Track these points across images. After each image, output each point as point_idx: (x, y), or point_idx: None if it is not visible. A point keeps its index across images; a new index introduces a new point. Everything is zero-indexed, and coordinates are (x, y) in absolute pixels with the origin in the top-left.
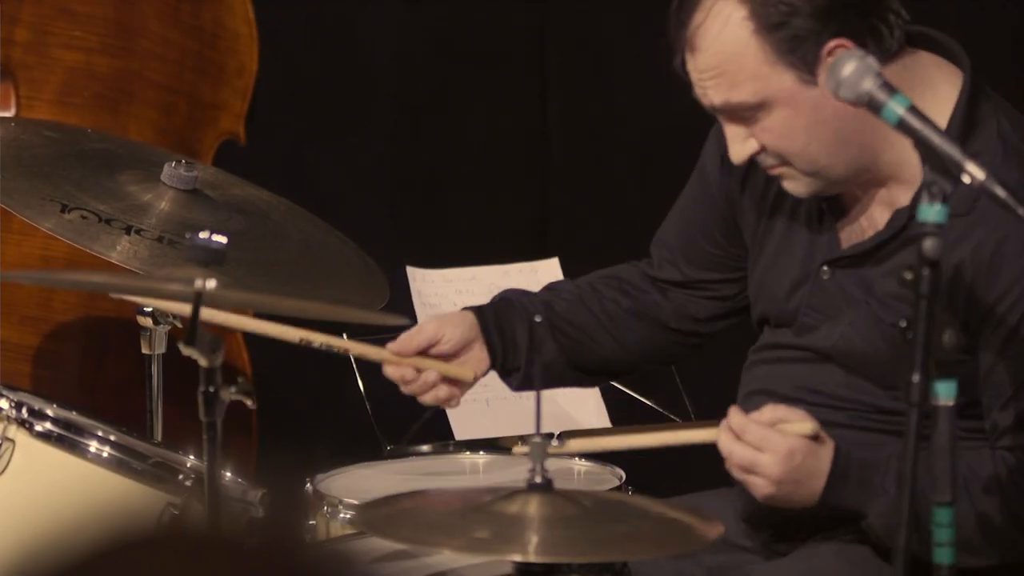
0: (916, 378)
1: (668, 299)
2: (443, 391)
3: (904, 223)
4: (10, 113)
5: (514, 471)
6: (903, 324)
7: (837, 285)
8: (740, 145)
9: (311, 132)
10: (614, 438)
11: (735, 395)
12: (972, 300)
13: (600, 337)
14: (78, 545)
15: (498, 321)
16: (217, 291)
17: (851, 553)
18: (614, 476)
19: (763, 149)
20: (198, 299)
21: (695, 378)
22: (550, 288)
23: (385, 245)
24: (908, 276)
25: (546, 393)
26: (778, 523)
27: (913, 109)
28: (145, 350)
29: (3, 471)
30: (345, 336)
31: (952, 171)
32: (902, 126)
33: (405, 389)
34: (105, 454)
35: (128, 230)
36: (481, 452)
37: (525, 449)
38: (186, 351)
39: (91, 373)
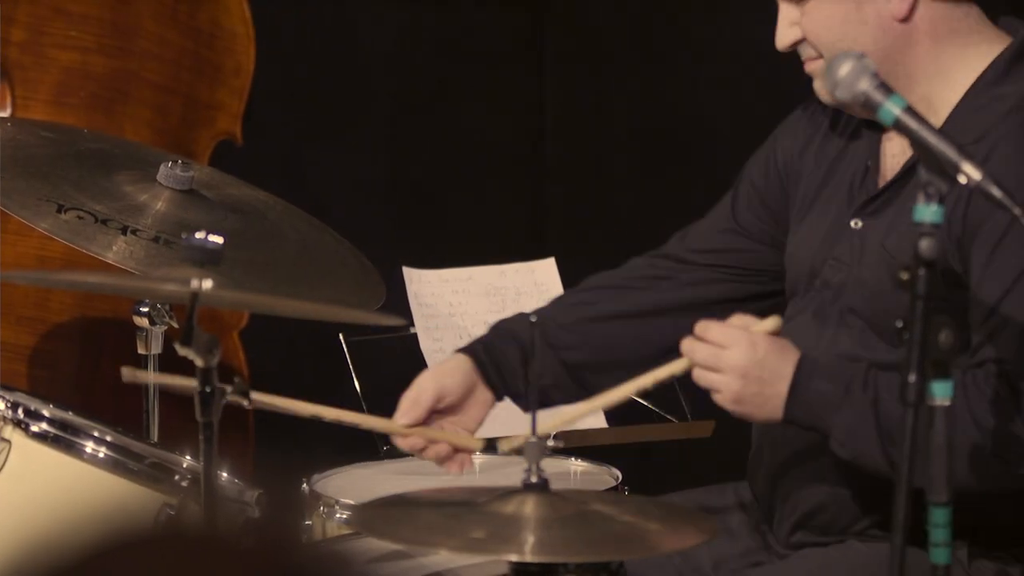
0: (912, 378)
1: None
2: (459, 456)
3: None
4: (6, 113)
5: (510, 471)
6: (899, 324)
7: (862, 234)
8: (786, 29)
9: (308, 132)
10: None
11: None
12: (967, 217)
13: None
14: (75, 546)
15: (491, 355)
16: (213, 291)
17: (852, 552)
18: (610, 476)
19: (803, 39)
20: (194, 299)
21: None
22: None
23: (381, 245)
24: (904, 276)
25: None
26: (780, 517)
27: (909, 109)
28: (141, 350)
29: None
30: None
31: (948, 171)
32: (898, 126)
33: (420, 456)
34: (101, 454)
35: (124, 230)
36: (477, 452)
37: (512, 445)
38: (182, 351)
39: (87, 373)
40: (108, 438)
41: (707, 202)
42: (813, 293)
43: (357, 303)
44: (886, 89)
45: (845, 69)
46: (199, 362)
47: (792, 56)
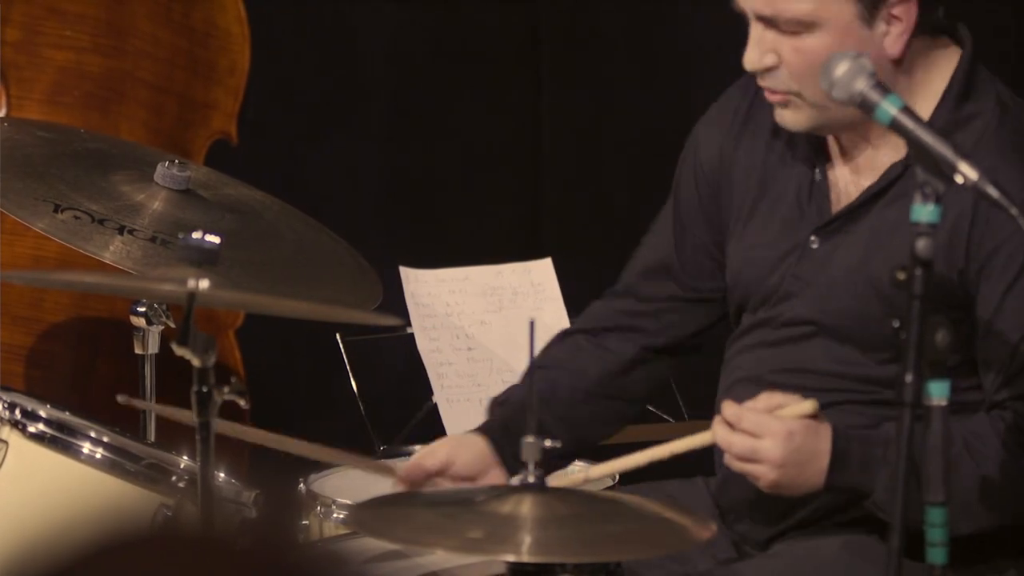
0: (909, 378)
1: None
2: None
3: (900, 173)
4: (1, 113)
5: None
6: (896, 324)
7: (825, 253)
8: (760, 54)
9: (303, 131)
10: (611, 464)
11: None
12: (971, 250)
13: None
14: (71, 546)
15: (508, 437)
16: (210, 291)
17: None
18: (608, 477)
19: (778, 67)
20: (191, 299)
21: (690, 377)
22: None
23: (378, 245)
24: (900, 276)
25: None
26: (753, 514)
27: (906, 109)
28: (138, 350)
29: None
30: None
31: (945, 171)
32: (895, 126)
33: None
34: (98, 455)
35: (121, 230)
36: None
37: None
38: (179, 351)
39: (84, 373)
40: (105, 439)
41: None
42: (768, 308)
43: (354, 303)
44: (883, 89)
45: (842, 69)
46: (196, 362)
47: None
